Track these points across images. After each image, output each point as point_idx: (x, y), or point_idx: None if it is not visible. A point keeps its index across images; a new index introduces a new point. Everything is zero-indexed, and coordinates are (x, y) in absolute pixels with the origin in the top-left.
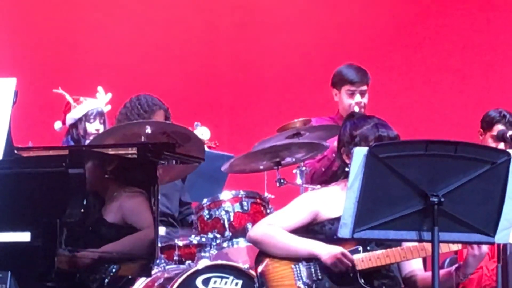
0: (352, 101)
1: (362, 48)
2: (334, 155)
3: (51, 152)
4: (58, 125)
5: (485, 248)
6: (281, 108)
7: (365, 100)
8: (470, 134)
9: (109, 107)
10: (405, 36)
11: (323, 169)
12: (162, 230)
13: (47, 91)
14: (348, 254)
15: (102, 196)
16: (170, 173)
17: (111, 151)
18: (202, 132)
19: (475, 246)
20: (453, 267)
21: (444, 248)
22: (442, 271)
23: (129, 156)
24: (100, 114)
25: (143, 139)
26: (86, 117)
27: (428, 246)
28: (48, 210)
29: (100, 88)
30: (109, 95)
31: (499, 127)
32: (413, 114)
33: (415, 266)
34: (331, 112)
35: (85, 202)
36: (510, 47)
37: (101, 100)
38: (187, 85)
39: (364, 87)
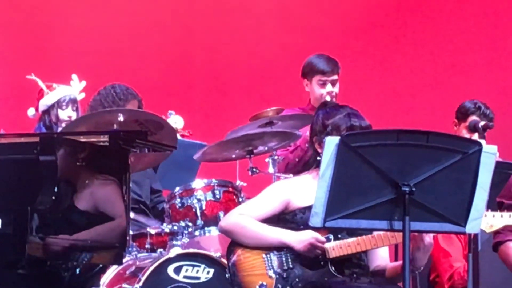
0: (323, 91)
1: (334, 37)
2: (307, 145)
3: (22, 139)
4: (31, 112)
5: (429, 238)
6: (253, 97)
7: (336, 89)
8: (445, 125)
9: (83, 95)
10: (378, 26)
11: (297, 160)
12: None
13: (20, 78)
14: (320, 237)
15: (74, 184)
16: (142, 161)
17: (82, 139)
18: (176, 121)
19: (418, 239)
20: None
21: None
22: (397, 264)
23: (101, 143)
24: (73, 101)
25: (115, 127)
26: (58, 104)
27: (398, 233)
28: (19, 197)
29: (74, 76)
30: (83, 83)
31: (473, 118)
32: (385, 104)
33: (381, 255)
34: (304, 102)
35: (56, 190)
36: (483, 35)
37: (75, 88)
38: (160, 74)
39: (335, 77)
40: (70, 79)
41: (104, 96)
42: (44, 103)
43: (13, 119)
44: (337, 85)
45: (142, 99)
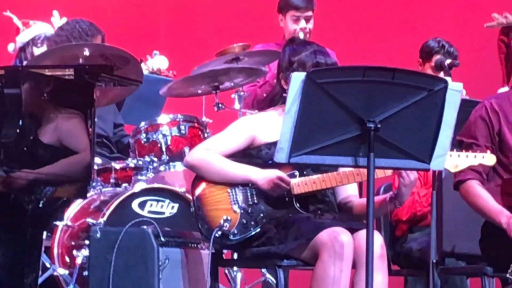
0: (297, 26)
1: None
2: (275, 80)
3: None
4: (11, 47)
5: (415, 174)
6: (221, 33)
7: (310, 26)
8: (410, 64)
9: None
10: None
11: (265, 95)
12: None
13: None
14: (285, 177)
15: (38, 117)
16: (107, 96)
17: (48, 72)
18: (160, 61)
19: (405, 175)
20: (388, 195)
21: (379, 173)
22: (376, 198)
23: (66, 77)
24: (48, 39)
25: (81, 61)
26: (33, 41)
27: (364, 171)
28: None
29: (55, 12)
30: (64, 19)
31: (438, 57)
32: (353, 42)
33: (350, 192)
34: (272, 38)
35: (20, 123)
36: None
37: (56, 24)
38: (125, 9)
39: (309, 13)
40: (51, 16)
41: (69, 32)
42: (20, 40)
43: None
44: (311, 21)
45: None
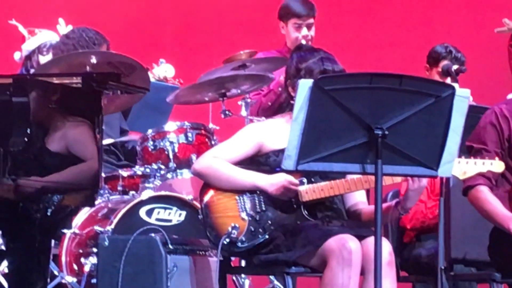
0: (298, 34)
1: None
2: (280, 89)
3: None
4: (17, 55)
5: (424, 181)
6: (227, 40)
7: (312, 33)
8: (417, 70)
9: None
10: None
11: (269, 104)
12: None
13: (3, 22)
14: (293, 179)
15: (46, 125)
16: (115, 103)
17: (55, 80)
18: (166, 69)
19: (414, 179)
20: (394, 202)
21: (387, 180)
22: (383, 205)
23: (74, 85)
24: (54, 47)
25: (88, 69)
26: (39, 50)
27: (371, 178)
28: None
29: (61, 20)
30: (70, 27)
31: (445, 62)
32: (359, 48)
33: (359, 199)
34: (278, 45)
35: (28, 131)
36: None
37: (62, 32)
38: (131, 18)
39: (311, 20)
40: (57, 24)
41: (76, 40)
42: (25, 48)
43: (2, 63)
44: (313, 28)
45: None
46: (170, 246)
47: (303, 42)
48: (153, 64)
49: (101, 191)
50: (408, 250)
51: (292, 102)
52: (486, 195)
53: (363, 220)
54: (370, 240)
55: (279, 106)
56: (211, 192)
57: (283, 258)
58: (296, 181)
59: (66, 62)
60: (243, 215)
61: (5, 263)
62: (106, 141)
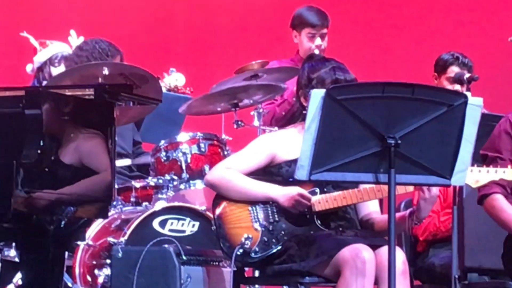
0: (312, 44)
1: None
2: (294, 98)
3: (7, 93)
4: (29, 67)
5: (435, 191)
6: (237, 50)
7: (324, 43)
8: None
9: None
10: None
11: (283, 113)
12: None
13: (14, 34)
14: (305, 193)
15: (59, 138)
16: (127, 115)
17: (68, 92)
18: (177, 78)
19: (425, 189)
20: (407, 212)
21: (400, 189)
22: (396, 215)
23: (86, 97)
24: (66, 58)
25: (100, 80)
26: (50, 61)
27: (384, 187)
28: (4, 151)
29: (72, 32)
30: (81, 38)
31: (453, 69)
32: (370, 58)
33: (372, 209)
34: (290, 54)
35: (41, 143)
36: None
37: (74, 44)
38: (142, 27)
39: (324, 30)
40: (69, 35)
41: (89, 52)
42: (37, 60)
43: (14, 75)
44: (326, 38)
45: (123, 53)
46: (184, 257)
47: (316, 51)
48: (164, 73)
49: (114, 203)
50: (421, 259)
51: (304, 112)
52: (502, 203)
53: (376, 230)
54: (384, 249)
55: (292, 116)
56: (224, 203)
57: (296, 268)
58: (309, 195)
59: (78, 73)
60: (256, 225)
61: (19, 275)
62: (123, 162)
